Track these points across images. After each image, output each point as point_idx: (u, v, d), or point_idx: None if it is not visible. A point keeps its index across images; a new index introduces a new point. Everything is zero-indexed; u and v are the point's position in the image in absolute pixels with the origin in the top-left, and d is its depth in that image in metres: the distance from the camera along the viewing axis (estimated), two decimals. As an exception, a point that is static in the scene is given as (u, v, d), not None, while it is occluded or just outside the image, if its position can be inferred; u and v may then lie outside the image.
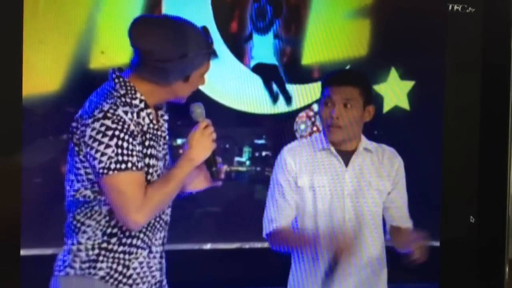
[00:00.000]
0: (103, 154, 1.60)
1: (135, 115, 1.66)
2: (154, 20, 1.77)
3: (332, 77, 2.05)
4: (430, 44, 2.03)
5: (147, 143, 1.68)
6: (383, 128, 2.22)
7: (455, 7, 1.84)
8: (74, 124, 1.67)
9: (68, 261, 1.71)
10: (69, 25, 1.96)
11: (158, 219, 1.75)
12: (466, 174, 1.87)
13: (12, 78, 1.75)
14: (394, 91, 2.24)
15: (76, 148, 1.66)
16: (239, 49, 2.21)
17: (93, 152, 1.61)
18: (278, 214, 2.01)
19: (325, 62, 2.20)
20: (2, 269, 1.68)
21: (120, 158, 1.60)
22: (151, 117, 1.70)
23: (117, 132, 1.61)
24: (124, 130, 1.61)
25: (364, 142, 2.07)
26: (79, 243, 1.70)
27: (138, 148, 1.64)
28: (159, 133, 1.74)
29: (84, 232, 1.69)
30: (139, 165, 1.63)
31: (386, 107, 2.27)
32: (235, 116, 2.20)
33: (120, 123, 1.61)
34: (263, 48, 2.23)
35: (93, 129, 1.60)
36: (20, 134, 1.71)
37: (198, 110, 1.75)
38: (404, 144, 2.08)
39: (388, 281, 2.05)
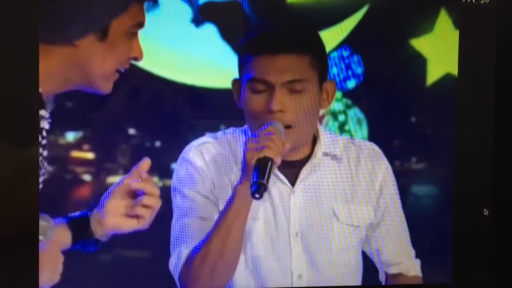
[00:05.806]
0: None
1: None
2: None
3: (260, 38, 1.38)
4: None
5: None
6: (427, 110, 1.73)
7: (469, -1, 1.76)
8: None
9: None
10: None
11: None
12: (479, 165, 1.79)
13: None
14: (445, 50, 1.70)
15: None
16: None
17: None
18: (182, 237, 1.39)
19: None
20: (21, 263, 1.48)
21: None
22: (46, 125, 1.30)
23: None
24: None
25: (324, 141, 1.44)
26: None
27: None
28: (44, 154, 1.34)
29: None
30: None
31: (432, 76, 1.74)
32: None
33: None
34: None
35: None
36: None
37: (43, 222, 1.43)
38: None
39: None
